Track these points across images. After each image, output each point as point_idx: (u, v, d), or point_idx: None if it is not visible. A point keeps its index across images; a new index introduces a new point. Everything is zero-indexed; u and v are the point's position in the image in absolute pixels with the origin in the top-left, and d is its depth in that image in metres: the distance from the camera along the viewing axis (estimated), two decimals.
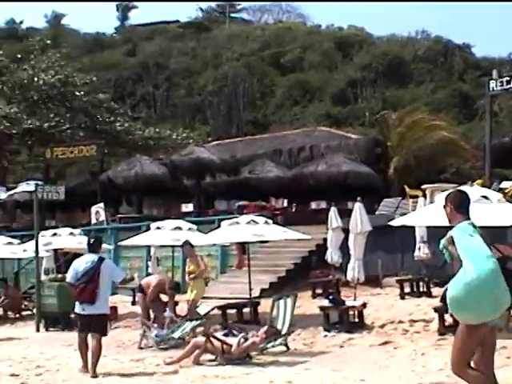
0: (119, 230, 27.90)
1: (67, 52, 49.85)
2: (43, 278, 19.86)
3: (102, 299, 11.10)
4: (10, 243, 22.98)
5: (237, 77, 63.17)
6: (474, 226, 6.20)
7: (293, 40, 70.87)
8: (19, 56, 42.26)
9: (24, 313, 21.81)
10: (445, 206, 6.46)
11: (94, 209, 30.10)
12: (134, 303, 21.37)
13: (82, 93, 39.65)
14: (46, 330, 17.97)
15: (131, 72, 69.73)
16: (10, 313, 21.92)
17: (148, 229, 19.34)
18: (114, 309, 19.28)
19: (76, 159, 24.07)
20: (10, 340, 16.49)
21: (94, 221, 29.84)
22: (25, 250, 21.85)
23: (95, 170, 38.14)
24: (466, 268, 5.92)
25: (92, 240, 11.78)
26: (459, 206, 6.36)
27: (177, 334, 13.48)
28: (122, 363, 11.79)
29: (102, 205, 29.84)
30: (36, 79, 38.15)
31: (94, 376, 10.69)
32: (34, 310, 19.61)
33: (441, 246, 6.31)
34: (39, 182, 24.11)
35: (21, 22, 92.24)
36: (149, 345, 13.69)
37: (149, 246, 21.85)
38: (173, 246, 17.92)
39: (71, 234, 20.60)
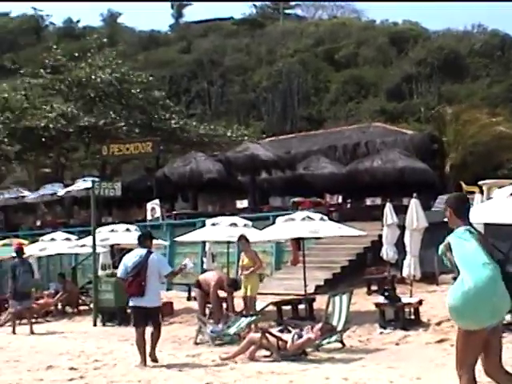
0: (174, 226, 28.08)
1: (123, 50, 50.50)
2: (100, 273, 20.12)
3: (152, 292, 11.36)
4: (67, 239, 23.36)
5: (291, 73, 63.07)
6: (471, 232, 6.09)
7: (347, 35, 70.47)
8: (76, 54, 42.79)
9: (81, 308, 22.13)
10: (445, 210, 6.39)
11: (149, 205, 30.34)
12: (189, 299, 21.54)
13: (138, 90, 39.99)
14: (103, 324, 18.19)
15: (186, 69, 70.12)
16: (67, 307, 22.26)
17: (203, 225, 19.43)
18: (169, 304, 19.50)
19: (132, 156, 24.20)
20: (68, 334, 16.73)
21: (149, 217, 30.08)
22: (82, 246, 22.17)
23: (151, 167, 38.50)
24: (464, 277, 5.85)
25: (141, 235, 12.27)
26: (458, 210, 6.27)
27: (232, 330, 13.53)
28: (178, 358, 11.87)
29: (157, 201, 30.07)
30: (93, 77, 38.59)
31: (154, 359, 11.34)
32: (91, 305, 19.89)
33: (439, 251, 6.24)
34: (96, 179, 24.46)
35: (78, 21, 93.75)
36: (204, 340, 13.75)
37: (204, 242, 21.96)
38: (228, 242, 17.98)
39: (127, 230, 20.83)
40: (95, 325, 18.13)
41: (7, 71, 54.68)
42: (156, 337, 11.54)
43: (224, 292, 15.83)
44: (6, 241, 27.13)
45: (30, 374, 10.80)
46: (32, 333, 17.37)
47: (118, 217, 33.53)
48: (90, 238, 19.77)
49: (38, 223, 36.87)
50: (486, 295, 5.79)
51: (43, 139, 37.89)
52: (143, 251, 11.56)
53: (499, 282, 5.85)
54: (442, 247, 6.19)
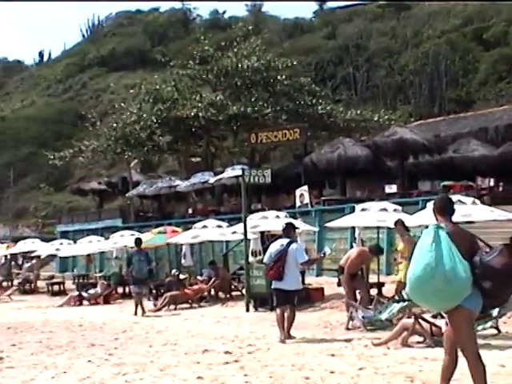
0: (323, 212, 28.11)
1: (268, 38, 50.86)
2: (251, 259, 20.34)
3: (290, 277, 12.62)
4: (219, 226, 23.80)
5: (438, 55, 61.47)
6: (438, 228, 6.64)
7: (497, 14, 67.90)
8: (223, 44, 43.51)
9: (233, 293, 22.49)
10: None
11: (298, 191, 30.49)
12: (339, 284, 21.42)
13: (284, 77, 40.23)
14: (255, 309, 18.40)
15: (331, 55, 69.81)
16: (220, 293, 22.69)
17: (352, 210, 19.30)
18: (320, 290, 19.52)
19: (280, 143, 24.28)
20: (221, 319, 17.05)
21: (298, 203, 30.23)
22: (233, 233, 22.53)
23: (299, 153, 38.62)
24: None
25: (285, 226, 13.55)
26: (437, 209, 7.02)
27: (384, 316, 13.36)
28: (331, 344, 11.84)
29: (305, 187, 30.18)
30: (239, 66, 39.14)
31: (288, 337, 12.42)
32: (243, 291, 20.17)
33: None
34: (245, 167, 24.76)
35: (223, 13, 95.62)
36: (356, 326, 13.66)
37: (353, 228, 21.81)
38: (378, 228, 17.76)
39: (277, 216, 20.98)
40: (248, 310, 18.35)
41: (158, 64, 56.29)
42: (291, 317, 12.61)
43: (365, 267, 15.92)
44: (161, 228, 27.96)
45: (187, 357, 11.06)
46: (143, 314, 19.13)
47: (267, 204, 33.89)
48: (241, 224, 20.01)
49: (190, 211, 37.80)
50: (418, 291, 6.61)
51: (193, 129, 38.84)
52: (286, 240, 12.89)
53: (427, 284, 6.43)
54: None
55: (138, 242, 20.98)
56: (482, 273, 6.50)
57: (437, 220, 6.97)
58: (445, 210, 6.96)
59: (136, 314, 19.28)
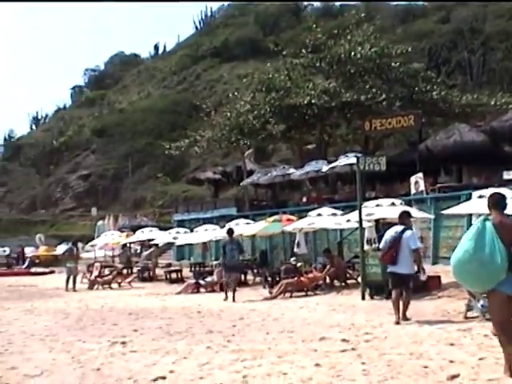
0: (439, 199, 27.69)
1: (380, 24, 50.29)
2: (365, 247, 20.28)
3: (403, 262, 13.35)
4: (333, 214, 23.83)
5: None
6: (485, 220, 7.74)
7: None
8: (335, 32, 43.34)
9: (349, 281, 22.50)
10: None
11: (413, 179, 30.11)
12: None
13: (397, 64, 39.74)
14: (371, 298, 18.34)
15: (445, 39, 68.43)
16: (335, 281, 22.73)
17: (469, 198, 18.95)
18: (437, 278, 19.28)
19: (394, 130, 24.07)
20: (337, 307, 17.09)
21: (413, 191, 29.88)
22: (347, 221, 22.51)
23: (413, 140, 38.08)
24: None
25: (401, 213, 14.29)
26: (490, 204, 8.12)
27: None
28: (449, 333, 11.69)
29: (420, 175, 29.77)
30: (352, 53, 38.92)
31: (404, 319, 13.22)
32: (359, 279, 20.15)
33: None
34: (359, 155, 24.65)
35: (335, 0, 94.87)
36: (475, 315, 13.44)
37: (470, 215, 21.39)
38: None
39: (392, 204, 20.85)
40: (363, 298, 18.30)
41: (270, 53, 56.57)
42: (406, 300, 13.40)
43: None
44: (276, 217, 28.20)
45: (304, 345, 11.17)
46: (233, 300, 20.22)
47: (381, 191, 33.61)
48: (355, 212, 19.97)
49: (304, 199, 37.91)
50: (461, 264, 7.76)
51: (306, 117, 38.87)
52: (400, 227, 13.65)
53: (477, 254, 7.53)
54: None
55: (231, 232, 22.53)
56: None
57: (490, 213, 8.01)
58: (496, 205, 8.05)
59: (226, 298, 20.73)
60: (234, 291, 20.72)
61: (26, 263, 49.87)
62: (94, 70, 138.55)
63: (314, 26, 43.76)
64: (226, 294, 21.03)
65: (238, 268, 22.48)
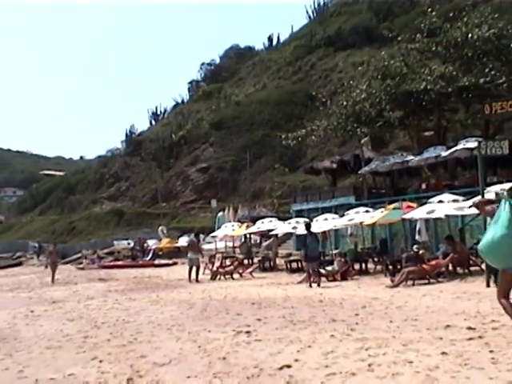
0: None
1: (498, 4, 48.92)
2: None
3: None
4: (455, 200, 23.46)
5: None
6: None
7: None
8: (451, 15, 42.49)
9: (472, 268, 22.13)
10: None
11: None
12: None
13: None
14: (496, 285, 17.98)
15: None
16: (458, 268, 22.41)
17: None
18: None
19: None
20: (461, 295, 16.86)
21: None
22: (470, 207, 22.08)
23: None
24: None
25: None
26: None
27: None
28: None
29: None
30: (469, 36, 38.08)
31: None
32: (483, 266, 19.78)
33: None
34: (479, 139, 24.15)
35: None
36: None
37: None
38: None
39: None
40: (488, 285, 18.00)
41: (384, 40, 55.97)
42: None
43: None
44: (396, 204, 27.99)
45: (429, 333, 11.12)
46: (318, 286, 22.46)
47: (503, 176, 32.79)
48: (478, 198, 19.59)
49: (423, 186, 37.42)
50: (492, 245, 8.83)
51: (423, 103, 38.28)
52: None
53: (506, 239, 8.59)
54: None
55: (308, 226, 25.05)
56: None
57: None
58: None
59: (311, 286, 22.61)
60: (319, 280, 23.02)
61: (150, 255, 51.30)
62: (209, 64, 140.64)
63: (429, 9, 43.05)
64: (309, 282, 23.00)
65: (318, 258, 24.48)
